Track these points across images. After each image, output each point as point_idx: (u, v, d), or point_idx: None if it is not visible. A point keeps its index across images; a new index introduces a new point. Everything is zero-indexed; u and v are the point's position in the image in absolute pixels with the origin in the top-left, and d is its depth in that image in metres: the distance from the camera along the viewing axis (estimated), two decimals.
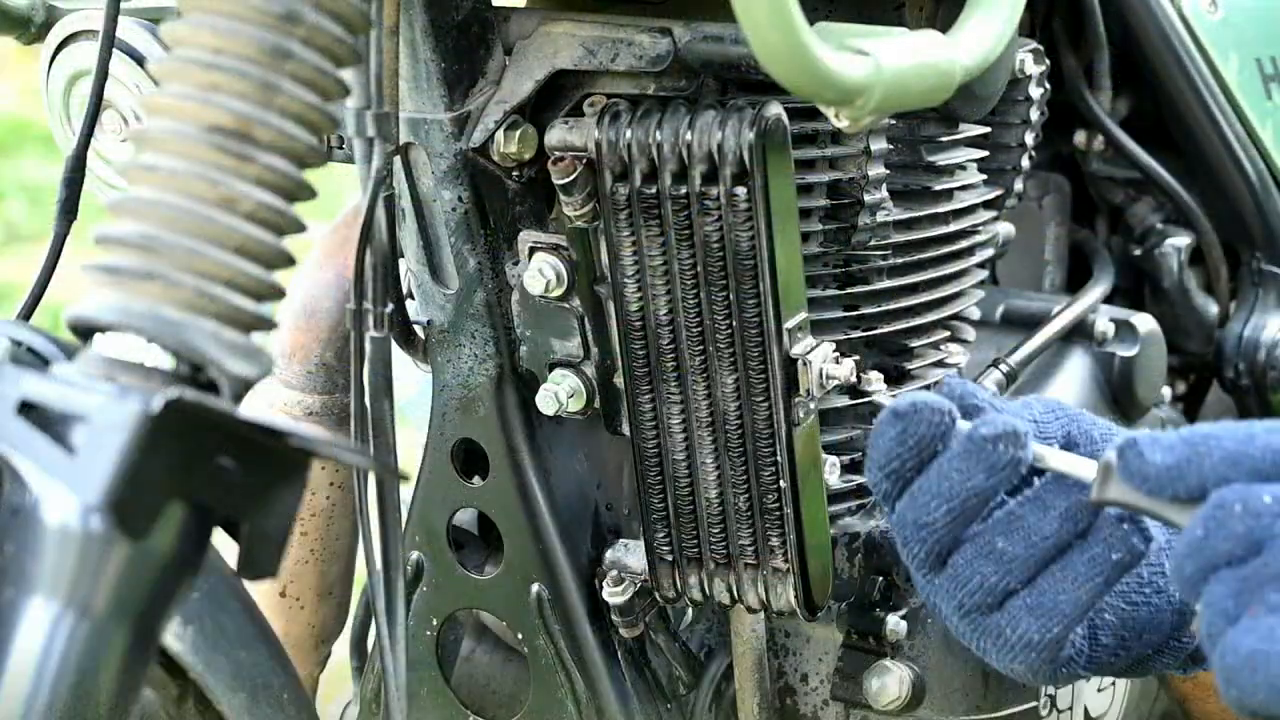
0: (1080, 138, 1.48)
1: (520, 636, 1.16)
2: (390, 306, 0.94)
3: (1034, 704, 1.18)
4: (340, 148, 1.12)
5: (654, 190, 1.00)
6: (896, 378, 1.20)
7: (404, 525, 1.16)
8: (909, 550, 0.94)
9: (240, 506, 0.78)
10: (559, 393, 1.09)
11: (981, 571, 0.92)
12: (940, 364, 1.23)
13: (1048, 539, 0.91)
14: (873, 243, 1.13)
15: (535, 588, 1.14)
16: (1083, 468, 0.91)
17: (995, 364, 1.26)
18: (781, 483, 1.04)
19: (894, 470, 0.94)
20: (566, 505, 1.14)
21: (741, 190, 0.98)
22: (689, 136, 0.98)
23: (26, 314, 1.05)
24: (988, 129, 1.23)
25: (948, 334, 1.23)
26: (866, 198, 1.10)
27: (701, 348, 1.03)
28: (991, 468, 0.91)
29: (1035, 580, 0.92)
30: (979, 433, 0.91)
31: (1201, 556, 0.83)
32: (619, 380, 1.07)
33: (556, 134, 1.04)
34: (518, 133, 1.05)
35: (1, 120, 4.80)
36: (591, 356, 1.08)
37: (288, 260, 0.82)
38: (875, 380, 1.17)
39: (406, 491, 1.16)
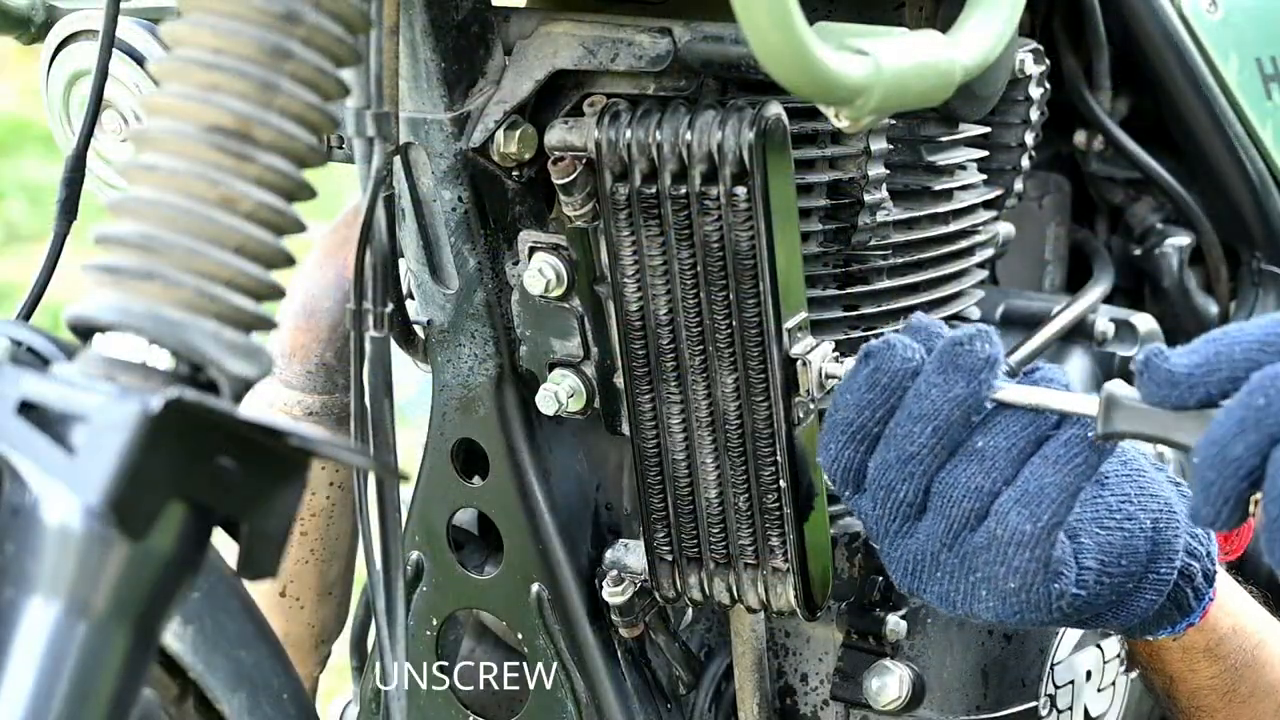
0: (1080, 138, 1.48)
1: (520, 636, 1.16)
2: (390, 306, 0.94)
3: (1034, 704, 1.18)
4: (340, 148, 1.12)
5: (654, 190, 1.00)
6: None
7: (404, 525, 1.16)
8: (893, 499, 0.94)
9: (240, 506, 0.78)
10: (559, 393, 1.09)
11: (966, 474, 0.92)
12: None
13: (1026, 428, 0.92)
14: (873, 243, 1.13)
15: (535, 588, 1.14)
16: (1069, 402, 0.91)
17: None
18: (781, 483, 1.04)
19: (863, 425, 0.94)
20: (566, 505, 1.14)
21: (741, 190, 0.98)
22: (689, 136, 0.98)
23: (26, 314, 1.05)
24: (988, 129, 1.23)
25: None
26: (866, 198, 1.10)
27: (701, 348, 1.03)
28: (971, 371, 0.92)
29: (1019, 475, 0.92)
30: (949, 340, 0.92)
31: (1262, 428, 0.82)
32: (619, 380, 1.07)
33: (556, 134, 1.04)
34: (518, 133, 1.05)
35: (1, 120, 4.80)
36: (591, 356, 1.08)
37: (288, 260, 0.82)
38: None
39: (406, 491, 1.16)
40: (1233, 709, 1.09)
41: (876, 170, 1.10)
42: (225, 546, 0.83)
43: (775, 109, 0.98)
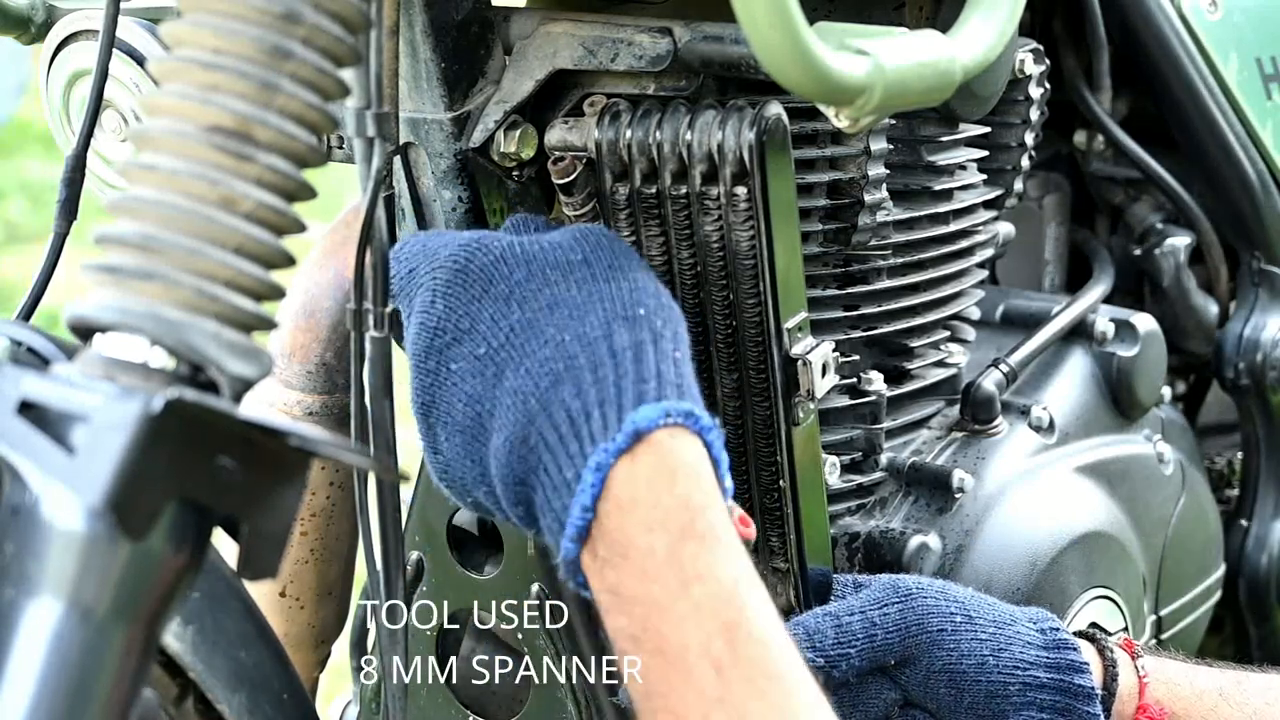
0: (1080, 138, 1.48)
1: (520, 636, 1.16)
2: (390, 306, 0.94)
3: None
4: (340, 148, 1.12)
5: (654, 190, 1.00)
6: (896, 377, 1.20)
7: (404, 525, 1.16)
8: None
9: (240, 506, 0.78)
10: None
11: None
12: (940, 364, 1.24)
13: None
14: (873, 243, 1.13)
15: (535, 588, 1.14)
16: None
17: (995, 364, 1.26)
18: (781, 483, 1.04)
19: None
20: None
21: (741, 190, 0.98)
22: (689, 136, 0.98)
23: (26, 314, 1.05)
24: (988, 129, 1.23)
25: (948, 334, 1.24)
26: (866, 198, 1.10)
27: (702, 347, 1.03)
28: None
29: None
30: None
31: None
32: None
33: (556, 134, 1.04)
34: (518, 133, 1.05)
35: (5, 121, 4.80)
36: None
37: (288, 260, 0.82)
38: (875, 380, 1.17)
39: (406, 491, 1.15)
40: None
41: (876, 170, 1.10)
42: (225, 546, 0.83)
43: (775, 109, 0.98)
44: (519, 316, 0.91)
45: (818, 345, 1.03)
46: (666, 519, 0.85)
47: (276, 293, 0.82)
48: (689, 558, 0.85)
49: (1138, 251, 1.48)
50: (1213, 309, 1.49)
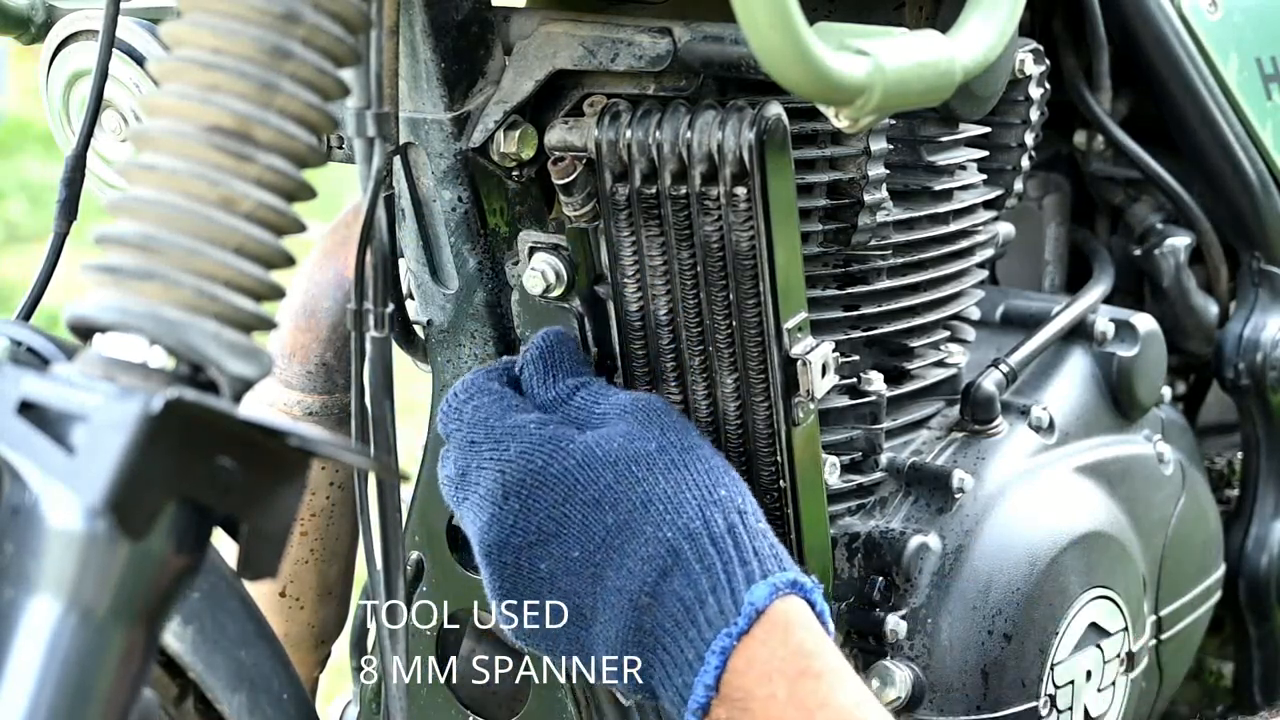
0: (1080, 138, 1.48)
1: None
2: (390, 306, 0.94)
3: (1034, 704, 1.18)
4: (340, 148, 1.12)
5: (654, 190, 1.00)
6: (896, 377, 1.20)
7: (404, 525, 1.16)
8: None
9: (240, 506, 0.78)
10: None
11: None
12: (940, 364, 1.24)
13: None
14: (873, 243, 1.13)
15: None
16: None
17: (995, 364, 1.26)
18: (781, 483, 1.03)
19: None
20: None
21: (741, 190, 0.98)
22: (689, 136, 0.98)
23: (26, 314, 1.05)
24: (988, 129, 1.23)
25: (948, 334, 1.24)
26: (866, 198, 1.10)
27: (701, 348, 1.03)
28: None
29: None
30: None
31: None
32: (619, 380, 1.07)
33: (556, 134, 1.04)
34: (517, 133, 1.05)
35: (1, 120, 4.80)
36: (591, 356, 1.08)
37: (288, 260, 0.82)
38: (875, 380, 1.17)
39: (406, 491, 1.15)
40: None
41: (876, 170, 1.10)
42: (225, 546, 0.83)
43: (775, 109, 0.98)
44: (613, 519, 0.95)
45: (818, 345, 1.03)
46: (785, 666, 0.91)
47: (276, 293, 0.82)
48: (808, 692, 0.91)
49: (1138, 251, 1.48)
50: (1213, 309, 1.49)
